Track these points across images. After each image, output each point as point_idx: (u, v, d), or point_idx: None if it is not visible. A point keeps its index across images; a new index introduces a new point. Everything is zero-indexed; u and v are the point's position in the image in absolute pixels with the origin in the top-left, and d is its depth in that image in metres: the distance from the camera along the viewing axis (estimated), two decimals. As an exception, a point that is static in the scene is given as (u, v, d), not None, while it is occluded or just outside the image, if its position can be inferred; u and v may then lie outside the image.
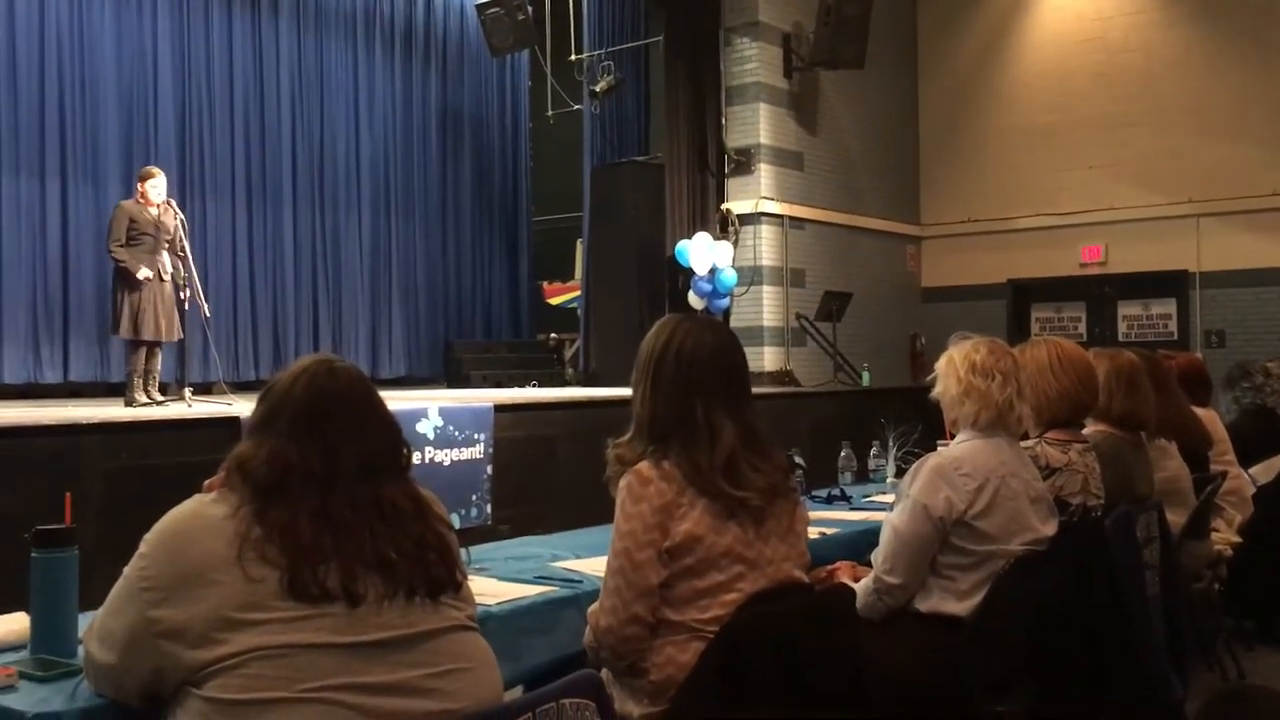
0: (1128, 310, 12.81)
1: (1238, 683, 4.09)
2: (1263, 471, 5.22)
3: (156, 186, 7.73)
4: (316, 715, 1.60)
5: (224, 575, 1.64)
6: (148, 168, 8.12)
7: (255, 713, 1.59)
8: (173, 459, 5.50)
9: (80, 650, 1.87)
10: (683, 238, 11.01)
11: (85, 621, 1.92)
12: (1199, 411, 4.73)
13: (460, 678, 1.73)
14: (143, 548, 1.72)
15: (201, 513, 1.72)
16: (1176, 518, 3.94)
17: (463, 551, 1.94)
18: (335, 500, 1.73)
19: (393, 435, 1.88)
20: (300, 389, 1.83)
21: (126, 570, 1.73)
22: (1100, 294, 12.94)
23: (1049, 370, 3.47)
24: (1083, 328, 13.00)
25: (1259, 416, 5.47)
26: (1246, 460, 5.12)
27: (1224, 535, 4.54)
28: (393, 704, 1.64)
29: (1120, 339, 12.34)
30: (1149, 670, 3.23)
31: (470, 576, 1.92)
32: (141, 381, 7.67)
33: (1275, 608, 5.16)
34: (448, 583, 1.78)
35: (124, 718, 1.79)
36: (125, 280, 7.57)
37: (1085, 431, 3.62)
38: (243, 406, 6.84)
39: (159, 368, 7.91)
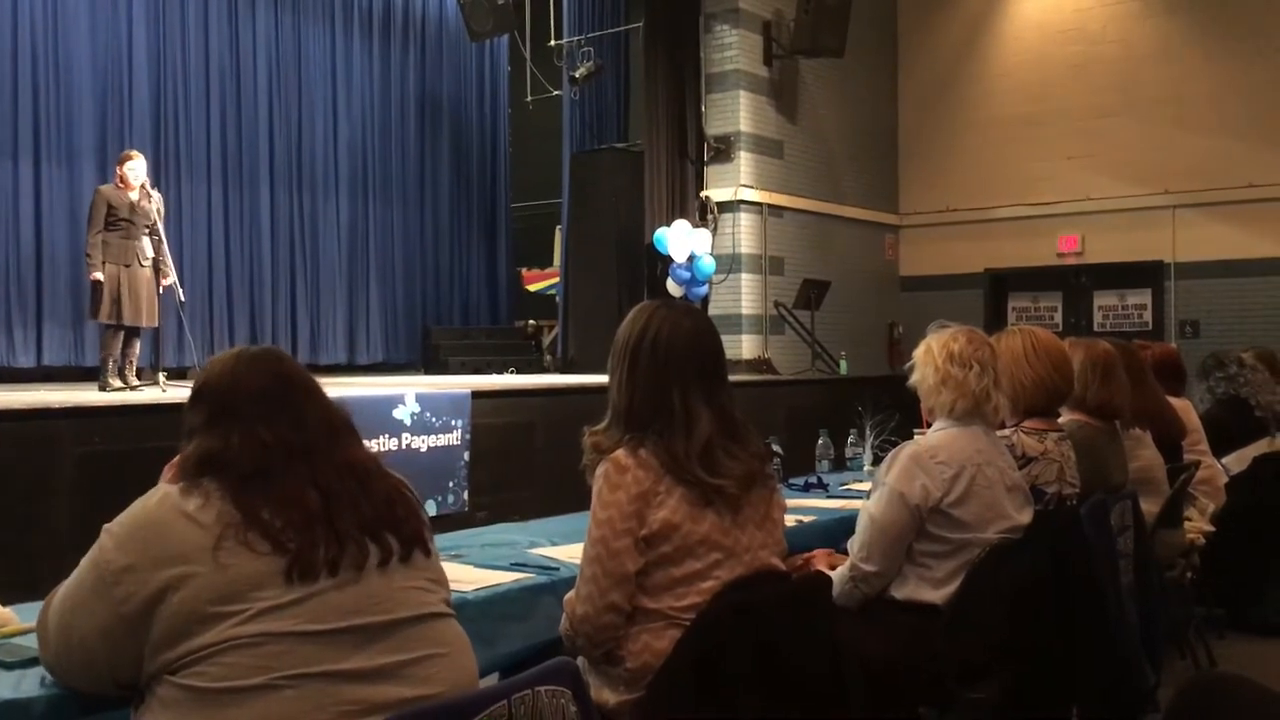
0: (1103, 300, 12.88)
1: (1212, 671, 4.13)
2: (1235, 461, 5.27)
3: (135, 169, 7.66)
4: (292, 702, 1.59)
5: (200, 566, 1.62)
6: (127, 151, 8.05)
7: (231, 701, 1.58)
8: (146, 444, 5.45)
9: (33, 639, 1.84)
10: (662, 225, 11.00)
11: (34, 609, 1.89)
12: (1173, 401, 4.77)
13: (436, 663, 1.72)
14: (108, 540, 1.68)
15: (173, 503, 1.68)
16: (1150, 506, 3.97)
17: (436, 538, 1.94)
18: (322, 469, 1.75)
19: (336, 403, 1.90)
20: (248, 373, 1.83)
21: (90, 561, 1.70)
22: (1077, 284, 13.01)
23: (1024, 359, 3.48)
24: (1059, 317, 13.06)
25: (1233, 406, 5.51)
26: (1219, 450, 5.16)
27: (1197, 524, 4.57)
28: (368, 690, 1.63)
29: (1096, 329, 12.39)
30: (1122, 657, 3.25)
31: (446, 563, 1.91)
32: (116, 366, 7.62)
33: (1246, 596, 5.21)
34: (417, 539, 1.79)
35: (91, 703, 1.77)
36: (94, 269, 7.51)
37: (1060, 420, 3.64)
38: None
39: (137, 353, 7.86)
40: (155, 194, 7.78)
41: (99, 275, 7.45)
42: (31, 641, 1.90)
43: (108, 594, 1.64)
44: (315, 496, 1.71)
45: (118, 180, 7.67)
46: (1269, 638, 5.11)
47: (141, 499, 1.72)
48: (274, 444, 1.74)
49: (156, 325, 7.90)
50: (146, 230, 7.64)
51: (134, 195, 7.61)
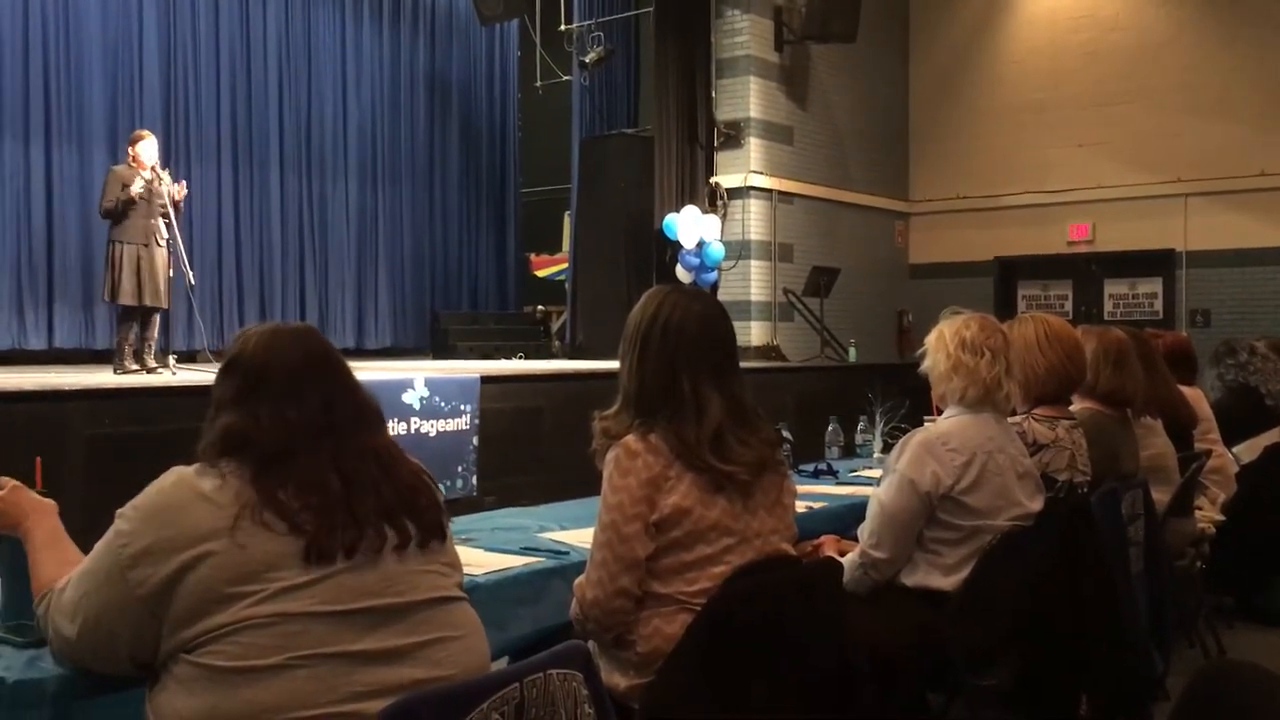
0: (1114, 289, 12.84)
1: (1225, 659, 4.12)
2: (1246, 450, 5.24)
3: (147, 149, 7.68)
4: (307, 682, 1.59)
5: (216, 545, 1.62)
6: (138, 130, 8.07)
7: (246, 680, 1.58)
8: (156, 426, 5.47)
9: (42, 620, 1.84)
10: (671, 211, 10.98)
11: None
12: (1185, 390, 4.75)
13: (449, 646, 1.72)
14: (123, 524, 1.68)
15: (189, 484, 1.69)
16: (1161, 495, 3.96)
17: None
18: (345, 453, 1.75)
19: (366, 389, 1.89)
20: (284, 350, 1.82)
21: (105, 545, 1.70)
22: (1087, 272, 12.97)
23: (1037, 347, 3.47)
24: (1069, 306, 13.03)
25: (1242, 395, 5.48)
26: (1231, 439, 5.14)
27: (1207, 513, 4.57)
28: (382, 672, 1.64)
29: (1106, 317, 12.36)
30: (1131, 645, 3.25)
31: (457, 547, 1.91)
32: (133, 349, 7.64)
33: (1256, 585, 5.19)
34: (436, 528, 1.80)
35: (106, 682, 1.78)
36: (122, 243, 7.51)
37: (1072, 408, 3.63)
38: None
39: (155, 334, 7.87)
40: (165, 175, 7.79)
41: (136, 189, 7.42)
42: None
43: (123, 577, 1.65)
44: (336, 480, 1.71)
45: (130, 160, 7.68)
46: (1278, 627, 5.10)
47: (156, 481, 1.72)
48: (300, 425, 1.74)
49: (168, 307, 7.92)
50: (161, 210, 7.65)
51: (146, 175, 7.62)
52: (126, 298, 7.54)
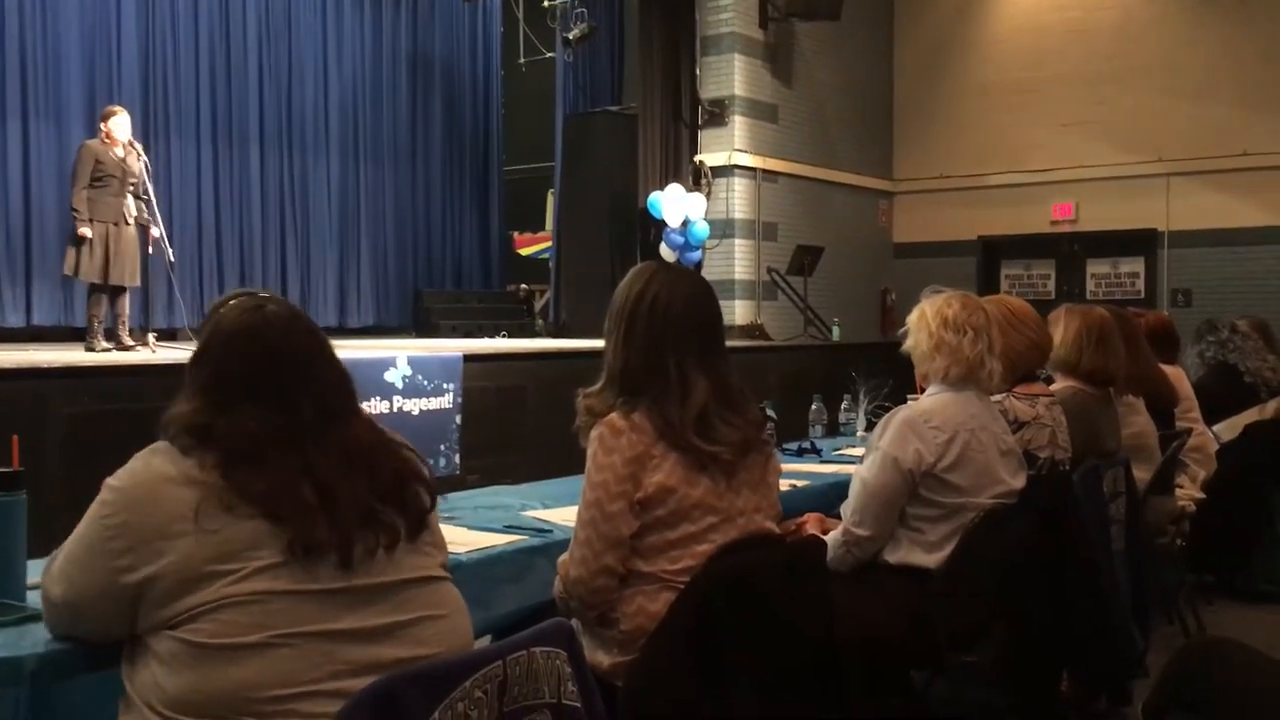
0: (1096, 268, 12.89)
1: (1205, 636, 4.15)
2: (1227, 429, 5.28)
3: (120, 124, 7.60)
4: (289, 661, 1.59)
5: (192, 529, 1.61)
6: (111, 106, 7.99)
7: (226, 657, 1.57)
8: (136, 404, 5.44)
9: (36, 593, 1.85)
10: (655, 189, 10.96)
11: (35, 566, 1.88)
12: (1166, 369, 4.77)
13: (433, 625, 1.72)
14: (107, 494, 1.67)
15: (174, 462, 1.67)
16: (1142, 473, 3.98)
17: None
18: (314, 455, 1.70)
19: (338, 369, 1.84)
20: (241, 346, 1.78)
21: (89, 516, 1.69)
22: (1070, 252, 13.01)
23: (1010, 325, 3.49)
24: (1051, 285, 13.08)
25: (1223, 373, 5.51)
26: (1211, 417, 5.17)
27: (1188, 491, 4.60)
28: (365, 650, 1.63)
29: (1088, 297, 12.41)
30: (1112, 623, 3.27)
31: (440, 524, 1.90)
32: (103, 326, 7.59)
33: (1236, 563, 5.23)
34: (427, 511, 1.78)
35: (85, 661, 1.77)
36: (90, 221, 7.46)
37: (1054, 387, 3.65)
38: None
39: (127, 312, 7.82)
40: (140, 152, 7.72)
41: (87, 230, 7.39)
42: (20, 599, 1.91)
43: (106, 553, 1.64)
44: (309, 490, 1.67)
45: (103, 136, 7.61)
46: (1257, 604, 5.14)
47: (144, 456, 1.70)
48: (259, 432, 1.69)
49: (139, 285, 7.87)
50: (133, 188, 7.59)
51: (120, 151, 7.55)
52: (89, 275, 7.49)
